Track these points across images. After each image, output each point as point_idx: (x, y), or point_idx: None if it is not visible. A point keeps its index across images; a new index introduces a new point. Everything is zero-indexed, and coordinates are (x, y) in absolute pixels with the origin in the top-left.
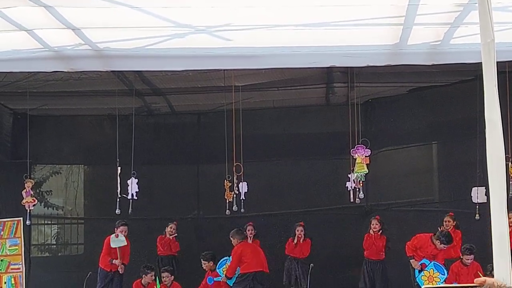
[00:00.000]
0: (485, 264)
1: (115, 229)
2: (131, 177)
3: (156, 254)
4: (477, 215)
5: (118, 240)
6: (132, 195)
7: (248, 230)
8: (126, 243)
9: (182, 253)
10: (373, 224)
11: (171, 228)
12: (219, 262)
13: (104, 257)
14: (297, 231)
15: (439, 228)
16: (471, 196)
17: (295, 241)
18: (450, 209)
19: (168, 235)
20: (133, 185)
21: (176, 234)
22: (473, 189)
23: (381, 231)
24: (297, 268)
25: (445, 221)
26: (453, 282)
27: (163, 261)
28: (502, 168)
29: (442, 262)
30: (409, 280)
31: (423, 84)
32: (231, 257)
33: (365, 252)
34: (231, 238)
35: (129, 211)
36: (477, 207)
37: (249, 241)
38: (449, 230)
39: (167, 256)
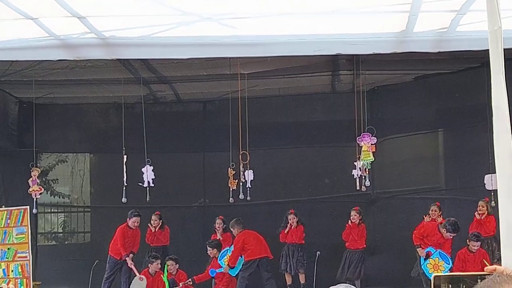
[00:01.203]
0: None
1: (128, 219)
2: (145, 165)
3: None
4: (492, 202)
5: (140, 283)
6: (149, 182)
7: (290, 219)
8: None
9: (187, 241)
10: (351, 215)
11: (153, 220)
12: (220, 253)
13: (115, 246)
14: (289, 219)
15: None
16: (485, 184)
17: (287, 229)
18: (456, 197)
19: (151, 228)
20: (148, 173)
21: (159, 224)
22: (486, 176)
23: (359, 221)
24: (293, 254)
25: (479, 206)
26: (460, 269)
27: (153, 251)
28: (510, 156)
29: (449, 251)
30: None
31: (429, 72)
32: (233, 246)
33: (346, 243)
34: (231, 229)
35: (147, 199)
36: (492, 194)
37: (218, 236)
38: (482, 215)
39: (161, 247)
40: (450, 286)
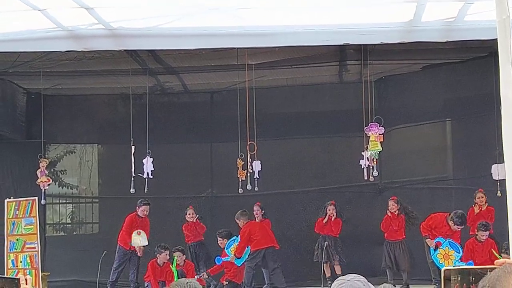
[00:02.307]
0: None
1: (137, 208)
2: (146, 156)
3: (182, 240)
4: (498, 192)
5: (140, 237)
6: (148, 174)
7: (255, 211)
8: (146, 244)
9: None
10: (389, 205)
11: (189, 214)
12: (228, 242)
13: (124, 235)
14: (329, 210)
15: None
16: (491, 173)
17: (325, 219)
18: (464, 187)
19: (189, 220)
20: (148, 164)
21: (197, 216)
22: (493, 166)
23: (398, 211)
24: (330, 245)
25: (479, 198)
26: (469, 259)
27: (192, 248)
28: None
29: (458, 242)
30: (424, 258)
31: (437, 61)
32: (239, 237)
33: (385, 234)
34: (237, 221)
35: (145, 190)
36: (498, 184)
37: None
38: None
39: (196, 243)
40: (459, 278)
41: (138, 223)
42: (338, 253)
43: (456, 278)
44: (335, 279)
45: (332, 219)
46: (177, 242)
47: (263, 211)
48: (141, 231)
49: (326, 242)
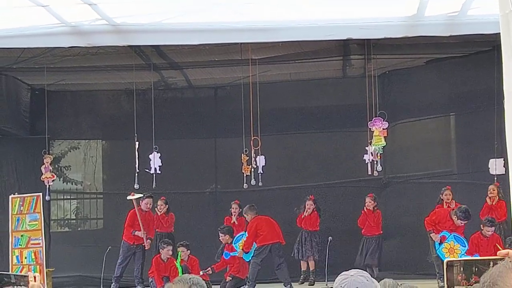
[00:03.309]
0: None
1: (140, 201)
2: (153, 152)
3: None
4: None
5: (133, 197)
6: (155, 169)
7: (232, 208)
8: (141, 195)
9: (199, 227)
10: (366, 202)
11: (159, 205)
12: (236, 237)
13: (127, 229)
14: (307, 204)
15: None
16: (489, 168)
17: (305, 213)
18: (468, 181)
19: (158, 212)
20: (155, 160)
21: (165, 210)
22: (491, 160)
23: (375, 207)
24: (306, 240)
25: (490, 190)
26: (474, 254)
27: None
28: None
29: (463, 235)
30: (427, 252)
31: (441, 56)
32: (246, 232)
33: (362, 230)
34: (245, 215)
35: (153, 186)
36: (495, 178)
37: (233, 219)
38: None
39: (165, 233)
40: (462, 269)
41: (142, 217)
42: (316, 247)
43: (459, 269)
44: (309, 273)
45: (307, 214)
46: (181, 237)
47: (314, 205)
48: (133, 192)
49: (298, 238)
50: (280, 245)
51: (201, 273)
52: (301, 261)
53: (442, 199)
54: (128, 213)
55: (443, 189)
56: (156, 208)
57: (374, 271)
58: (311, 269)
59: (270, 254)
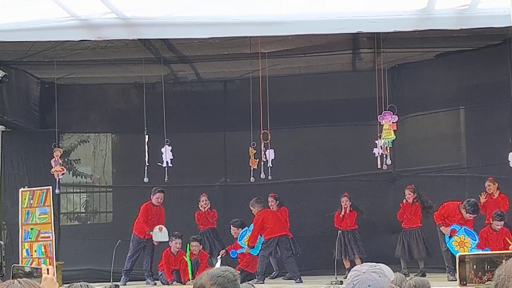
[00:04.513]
0: None
1: (151, 195)
2: (165, 145)
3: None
4: None
5: (161, 234)
6: (167, 162)
7: (269, 202)
8: (166, 240)
9: None
10: (406, 194)
11: (202, 201)
12: (240, 233)
13: (139, 224)
14: (342, 201)
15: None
16: (509, 161)
17: (342, 213)
18: (478, 175)
19: (202, 209)
20: (167, 153)
21: (209, 205)
22: (510, 153)
23: (413, 200)
24: (350, 241)
25: (487, 187)
26: (484, 248)
27: (204, 235)
28: None
29: (472, 228)
30: (438, 246)
31: (451, 49)
32: (252, 225)
33: (401, 223)
34: (251, 208)
35: (166, 179)
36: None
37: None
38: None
39: (208, 230)
40: (475, 267)
41: (153, 211)
42: (358, 246)
43: (471, 265)
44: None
45: (347, 212)
46: (191, 231)
47: (277, 201)
48: (163, 226)
49: (339, 238)
50: (288, 237)
51: (218, 259)
52: (344, 260)
53: (486, 192)
54: (140, 207)
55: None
56: (199, 205)
57: (420, 264)
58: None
59: (278, 247)
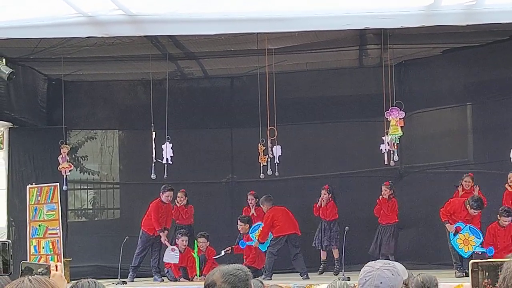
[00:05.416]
0: None
1: (161, 193)
2: (165, 142)
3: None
4: None
5: (172, 255)
6: (167, 159)
7: (248, 200)
8: (176, 262)
9: (216, 217)
10: (382, 190)
11: (179, 196)
12: (253, 226)
13: (149, 221)
14: (321, 194)
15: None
16: (511, 158)
17: (319, 203)
18: (485, 171)
19: (177, 204)
20: (167, 150)
21: (185, 202)
22: None
23: (390, 195)
24: (326, 230)
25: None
26: (490, 244)
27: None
28: None
29: (478, 226)
30: (445, 242)
31: (458, 45)
32: (263, 222)
33: (378, 219)
34: (261, 205)
35: (164, 176)
36: None
37: (252, 211)
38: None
39: (186, 226)
40: (487, 274)
41: (163, 209)
42: (335, 237)
43: (484, 274)
44: (333, 262)
45: (323, 204)
46: (198, 228)
47: (330, 194)
48: (175, 248)
49: (318, 228)
50: (296, 235)
51: (222, 252)
52: (321, 251)
53: (462, 185)
54: (149, 204)
55: (464, 175)
56: (176, 200)
57: (390, 259)
58: (335, 257)
59: (286, 244)
